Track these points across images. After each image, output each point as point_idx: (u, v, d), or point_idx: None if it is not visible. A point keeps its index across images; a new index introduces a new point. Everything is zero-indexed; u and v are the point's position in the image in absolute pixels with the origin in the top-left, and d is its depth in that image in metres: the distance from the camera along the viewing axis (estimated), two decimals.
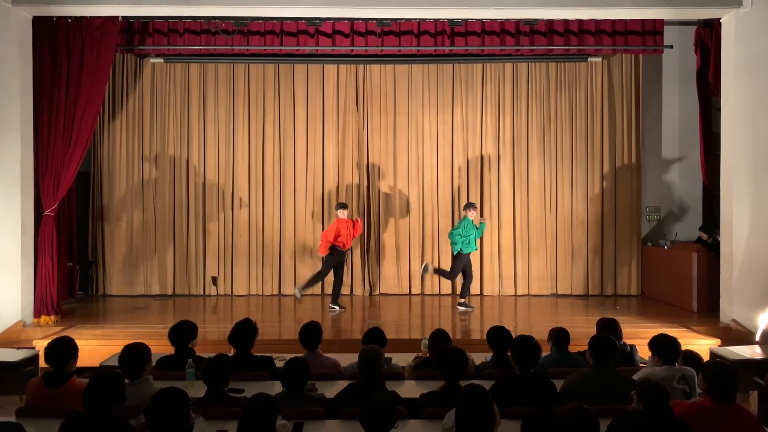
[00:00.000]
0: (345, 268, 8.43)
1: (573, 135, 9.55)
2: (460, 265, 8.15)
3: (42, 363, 5.07)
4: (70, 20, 7.58)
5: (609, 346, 3.87)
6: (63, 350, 3.81)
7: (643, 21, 8.59)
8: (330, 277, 8.37)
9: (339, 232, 8.04)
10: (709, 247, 8.32)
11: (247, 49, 8.77)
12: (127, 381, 3.58)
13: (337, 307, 8.16)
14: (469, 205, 8.20)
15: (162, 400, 2.94)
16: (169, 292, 9.41)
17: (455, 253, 8.10)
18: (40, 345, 6.42)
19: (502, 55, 9.18)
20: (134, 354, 3.83)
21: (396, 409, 3.02)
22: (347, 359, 4.60)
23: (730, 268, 7.31)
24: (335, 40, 8.65)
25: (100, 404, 3.09)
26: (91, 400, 3.10)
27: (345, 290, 9.43)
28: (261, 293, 9.48)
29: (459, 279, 8.60)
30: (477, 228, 8.18)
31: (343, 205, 8.21)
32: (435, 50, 8.85)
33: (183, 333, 4.59)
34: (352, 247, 9.13)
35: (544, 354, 4.59)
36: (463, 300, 8.28)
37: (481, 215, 9.36)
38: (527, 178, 9.54)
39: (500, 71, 9.56)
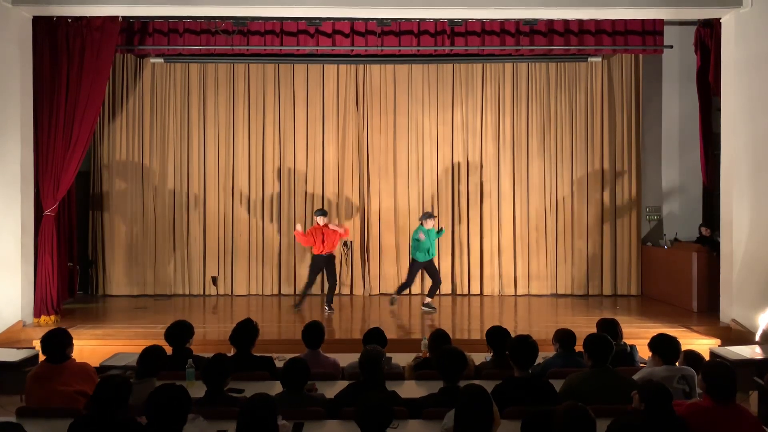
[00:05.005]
0: (332, 270, 8.23)
1: (573, 135, 9.55)
2: (414, 272, 8.28)
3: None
4: (70, 20, 7.58)
5: (604, 344, 3.86)
6: (58, 339, 3.97)
7: (643, 21, 8.59)
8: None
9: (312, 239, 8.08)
10: (710, 243, 8.32)
11: (247, 49, 8.77)
12: (133, 380, 3.65)
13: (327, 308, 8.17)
14: (427, 216, 8.20)
15: (162, 396, 2.96)
16: (169, 292, 9.40)
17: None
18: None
19: (502, 55, 9.18)
20: (154, 357, 3.95)
21: (391, 409, 3.02)
22: (347, 359, 4.60)
23: (730, 268, 7.31)
24: (335, 40, 8.65)
25: (107, 406, 3.11)
26: (99, 402, 3.12)
27: (345, 290, 9.46)
28: (261, 293, 9.48)
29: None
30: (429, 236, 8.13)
31: (318, 212, 8.19)
32: (435, 50, 8.85)
33: (179, 333, 4.63)
34: (348, 249, 9.19)
35: (544, 354, 4.62)
36: (428, 300, 8.31)
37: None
38: (527, 178, 9.54)
39: (500, 71, 9.56)
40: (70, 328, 6.88)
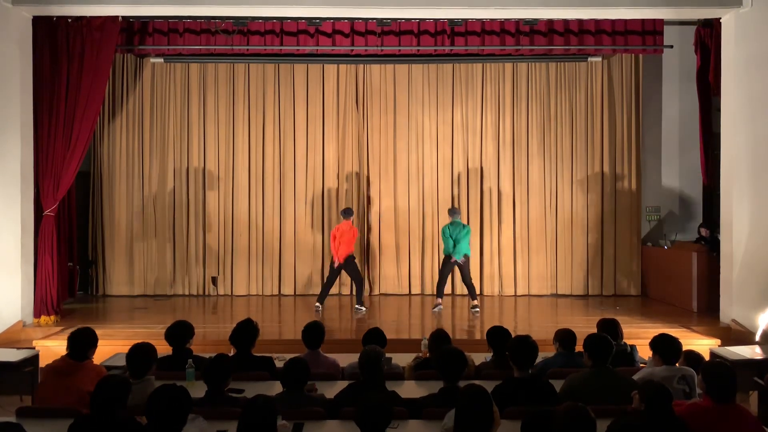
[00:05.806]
0: (340, 272, 8.31)
1: (573, 135, 9.55)
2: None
3: (41, 364, 5.12)
4: (70, 20, 7.58)
5: (604, 345, 3.86)
6: (85, 337, 4.08)
7: (643, 21, 8.59)
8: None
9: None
10: (709, 244, 8.31)
11: (247, 49, 8.77)
12: (132, 381, 3.64)
13: (320, 306, 8.11)
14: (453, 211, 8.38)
15: (163, 396, 2.96)
16: (169, 292, 9.41)
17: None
18: (40, 345, 6.44)
19: (502, 55, 9.18)
20: (143, 354, 3.92)
21: (390, 409, 3.02)
22: (347, 359, 4.60)
23: (730, 268, 7.30)
24: (335, 40, 8.64)
25: (106, 407, 3.11)
26: (98, 402, 3.12)
27: (345, 290, 9.45)
28: (261, 293, 9.48)
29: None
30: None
31: (344, 212, 8.26)
32: (435, 50, 8.85)
33: (180, 333, 4.62)
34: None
35: (544, 354, 4.61)
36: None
37: (481, 217, 9.55)
38: (527, 178, 9.54)
39: (500, 71, 9.56)
40: (70, 328, 6.91)
